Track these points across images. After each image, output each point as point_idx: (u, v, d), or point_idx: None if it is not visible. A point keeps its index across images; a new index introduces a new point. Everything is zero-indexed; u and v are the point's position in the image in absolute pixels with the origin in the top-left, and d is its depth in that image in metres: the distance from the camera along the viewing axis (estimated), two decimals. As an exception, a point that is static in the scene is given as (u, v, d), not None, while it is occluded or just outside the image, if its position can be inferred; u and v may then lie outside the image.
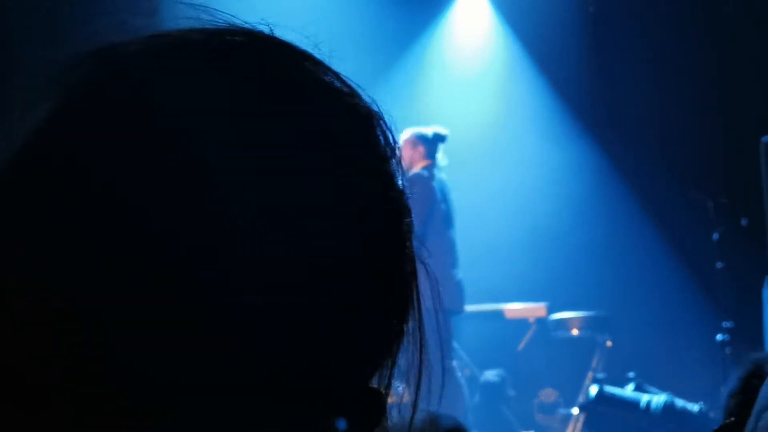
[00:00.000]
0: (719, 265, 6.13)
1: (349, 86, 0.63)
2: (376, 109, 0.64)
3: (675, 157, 8.03)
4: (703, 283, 7.37)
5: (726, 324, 6.06)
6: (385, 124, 0.64)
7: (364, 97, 0.64)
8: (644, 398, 5.81)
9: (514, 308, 7.75)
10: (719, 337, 6.00)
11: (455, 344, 7.28)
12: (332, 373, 0.57)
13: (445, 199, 6.22)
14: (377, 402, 0.60)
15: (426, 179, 6.10)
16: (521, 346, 7.71)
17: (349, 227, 0.57)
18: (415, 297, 0.63)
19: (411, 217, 0.63)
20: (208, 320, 0.53)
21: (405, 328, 0.62)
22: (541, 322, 7.67)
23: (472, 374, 7.55)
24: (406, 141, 6.30)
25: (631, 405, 5.77)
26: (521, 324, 7.76)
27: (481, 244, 7.90)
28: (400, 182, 0.62)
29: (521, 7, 8.63)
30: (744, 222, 6.11)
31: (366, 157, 0.60)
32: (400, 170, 0.63)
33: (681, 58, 8.15)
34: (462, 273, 6.42)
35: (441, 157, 6.31)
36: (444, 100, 8.66)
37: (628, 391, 5.98)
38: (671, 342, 7.63)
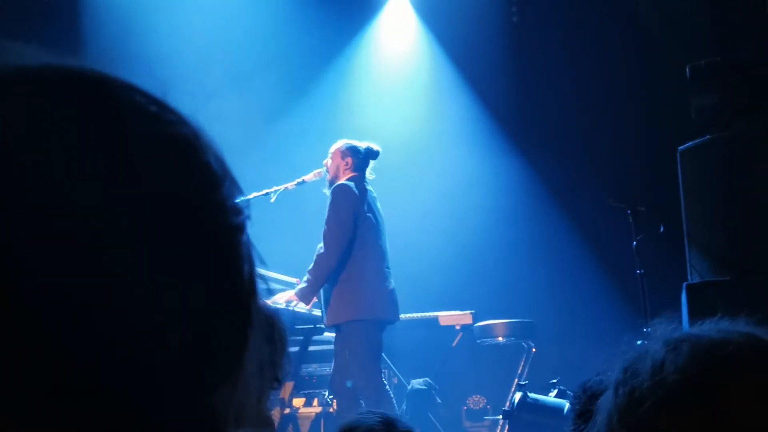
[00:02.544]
0: (639, 271, 6.24)
1: (177, 115, 0.63)
2: (204, 135, 0.64)
3: (595, 166, 8.17)
4: (624, 289, 7.50)
5: (647, 329, 6.16)
6: (215, 149, 0.64)
7: (192, 124, 0.64)
8: (567, 404, 5.88)
9: (440, 316, 7.79)
10: (640, 342, 6.09)
11: (383, 354, 7.30)
12: (168, 394, 0.58)
13: (373, 209, 6.22)
14: (211, 420, 0.60)
15: (348, 189, 6.09)
16: (449, 352, 7.75)
17: (167, 256, 0.58)
18: (255, 315, 0.63)
19: (245, 236, 0.63)
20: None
21: (243, 350, 0.62)
22: (467, 329, 7.72)
23: (399, 382, 7.57)
24: (337, 150, 6.29)
25: (554, 411, 5.84)
26: (448, 331, 7.80)
27: (406, 253, 7.92)
28: (232, 205, 0.63)
29: (446, 17, 8.70)
30: (662, 229, 6.23)
31: (187, 182, 0.61)
32: (234, 190, 0.64)
33: (602, 68, 8.29)
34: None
35: (369, 172, 6.31)
36: (370, 110, 8.68)
37: (551, 397, 6.05)
38: (594, 348, 7.72)
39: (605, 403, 1.13)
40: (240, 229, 0.63)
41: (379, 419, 2.20)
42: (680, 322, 1.19)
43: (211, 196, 0.62)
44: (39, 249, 0.55)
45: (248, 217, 0.64)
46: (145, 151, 0.60)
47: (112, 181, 0.57)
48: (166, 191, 0.59)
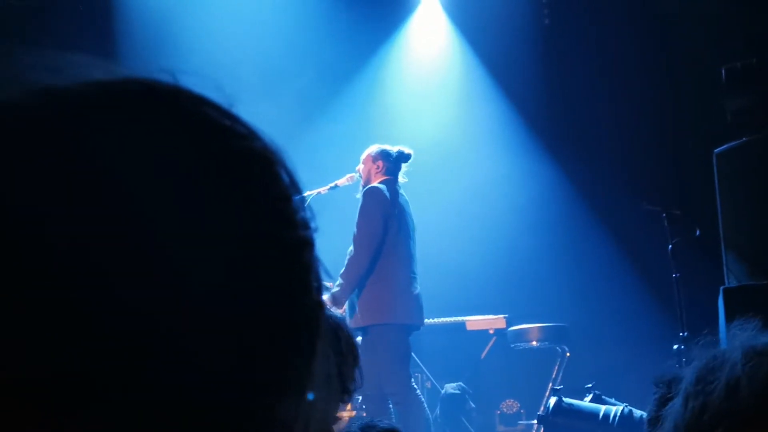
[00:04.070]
0: (675, 275, 6.18)
1: (248, 129, 0.64)
2: (275, 148, 0.64)
3: (630, 168, 8.11)
4: (659, 293, 7.44)
5: (682, 333, 6.11)
6: (285, 162, 0.65)
7: (264, 137, 0.64)
8: (602, 409, 5.84)
9: (473, 320, 7.77)
10: (676, 346, 6.05)
11: (415, 357, 7.29)
12: (234, 408, 0.58)
13: (404, 214, 6.22)
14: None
15: (379, 192, 6.09)
16: (482, 356, 7.73)
17: (241, 268, 0.59)
18: (323, 328, 0.64)
19: (313, 252, 0.64)
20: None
21: (311, 360, 0.63)
22: (501, 333, 7.70)
23: (432, 387, 7.56)
24: (368, 155, 6.31)
25: (589, 416, 5.80)
26: (481, 336, 7.78)
27: (440, 257, 7.92)
28: (302, 219, 0.64)
29: (477, 19, 8.68)
30: (698, 233, 6.18)
31: (260, 197, 0.62)
32: (303, 207, 0.65)
33: (635, 69, 8.24)
34: (420, 287, 6.43)
35: (402, 176, 6.32)
36: (401, 113, 8.69)
37: (586, 402, 6.01)
38: (629, 352, 7.69)
39: (673, 413, 1.08)
40: (309, 243, 0.64)
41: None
42: (759, 325, 1.12)
43: (284, 210, 0.63)
44: (116, 261, 0.55)
45: (316, 230, 0.65)
46: (220, 164, 0.61)
47: (189, 195, 0.58)
48: (240, 205, 0.60)
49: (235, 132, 0.63)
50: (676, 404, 1.06)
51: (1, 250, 0.55)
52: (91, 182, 0.56)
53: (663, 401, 1.27)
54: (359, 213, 6.08)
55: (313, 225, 0.65)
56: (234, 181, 0.61)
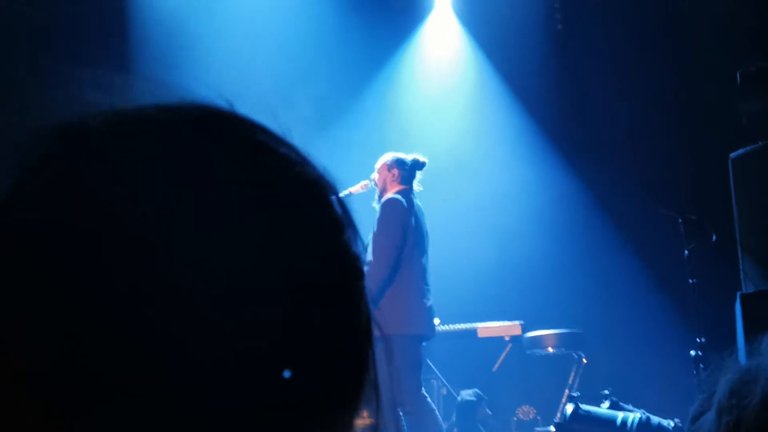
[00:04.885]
0: (691, 281, 6.15)
1: (302, 156, 0.67)
2: (328, 176, 0.67)
3: (645, 174, 8.09)
4: (675, 298, 7.41)
5: (699, 339, 6.08)
6: (337, 190, 0.67)
7: (317, 164, 0.67)
8: (620, 416, 5.82)
9: (489, 327, 7.76)
10: (693, 352, 6.02)
11: (431, 364, 7.28)
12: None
13: (419, 225, 6.21)
14: None
15: (398, 204, 6.09)
16: (497, 364, 7.71)
17: (294, 293, 0.59)
18: (370, 355, 0.65)
19: (362, 280, 0.65)
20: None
21: (362, 386, 0.64)
22: (517, 340, 7.68)
23: (448, 393, 7.55)
24: (383, 164, 6.31)
25: (607, 423, 5.78)
26: (497, 342, 7.76)
27: (457, 263, 7.91)
28: (354, 250, 0.65)
29: (490, 25, 8.68)
30: (714, 238, 6.15)
31: (312, 224, 0.63)
32: (353, 233, 0.65)
33: (649, 74, 8.22)
34: (437, 294, 6.43)
35: (417, 184, 6.32)
36: (415, 120, 8.69)
37: (604, 408, 5.99)
38: (646, 358, 7.66)
39: (707, 427, 1.06)
40: (361, 273, 0.65)
41: None
42: None
43: (338, 240, 0.64)
44: (170, 289, 0.57)
45: (365, 262, 0.67)
46: (278, 192, 0.62)
47: (246, 221, 0.60)
48: (297, 233, 0.61)
49: (290, 159, 0.65)
50: (709, 418, 1.04)
51: (50, 258, 0.56)
52: (156, 206, 0.58)
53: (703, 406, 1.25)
54: (378, 224, 6.07)
55: (363, 257, 0.66)
56: (290, 206, 0.62)
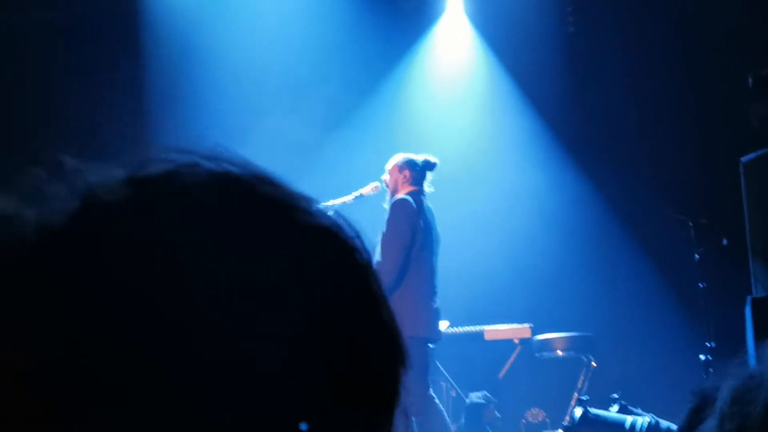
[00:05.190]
0: (701, 285, 6.14)
1: (315, 206, 0.67)
2: (347, 226, 0.67)
3: (656, 177, 8.07)
4: (685, 302, 7.40)
5: (709, 344, 6.07)
6: (359, 234, 0.67)
7: (333, 216, 0.67)
8: (628, 420, 5.81)
9: (498, 329, 7.75)
10: (703, 357, 6.01)
11: (440, 367, 7.28)
12: None
13: (429, 227, 6.21)
14: None
15: (407, 204, 6.09)
16: (506, 367, 7.71)
17: (321, 338, 0.61)
18: (398, 386, 0.68)
19: (391, 323, 0.67)
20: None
21: (394, 411, 0.67)
22: (526, 343, 7.68)
23: (457, 396, 7.55)
24: (394, 165, 6.31)
25: (616, 426, 5.77)
26: (506, 345, 7.76)
27: (467, 266, 7.91)
28: (379, 288, 0.66)
29: (502, 28, 8.67)
30: (725, 242, 6.14)
31: (342, 281, 0.64)
32: (373, 277, 0.66)
33: (660, 77, 8.20)
34: (448, 296, 6.43)
35: (428, 185, 6.32)
36: (426, 122, 8.69)
37: (613, 412, 5.98)
38: (655, 362, 7.65)
39: None
40: (390, 321, 0.67)
41: None
42: None
43: (365, 280, 0.65)
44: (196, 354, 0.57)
45: (392, 311, 0.67)
46: (299, 245, 0.63)
47: (272, 276, 0.61)
48: (321, 281, 0.63)
49: (306, 210, 0.65)
50: (710, 425, 1.03)
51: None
52: (185, 270, 0.59)
53: (695, 413, 1.24)
54: (387, 225, 6.07)
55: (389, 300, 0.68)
56: (311, 262, 0.63)
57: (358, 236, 0.67)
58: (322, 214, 0.66)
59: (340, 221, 0.67)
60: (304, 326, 0.60)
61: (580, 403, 6.13)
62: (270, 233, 0.62)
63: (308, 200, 0.66)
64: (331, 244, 0.65)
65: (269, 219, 0.63)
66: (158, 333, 0.57)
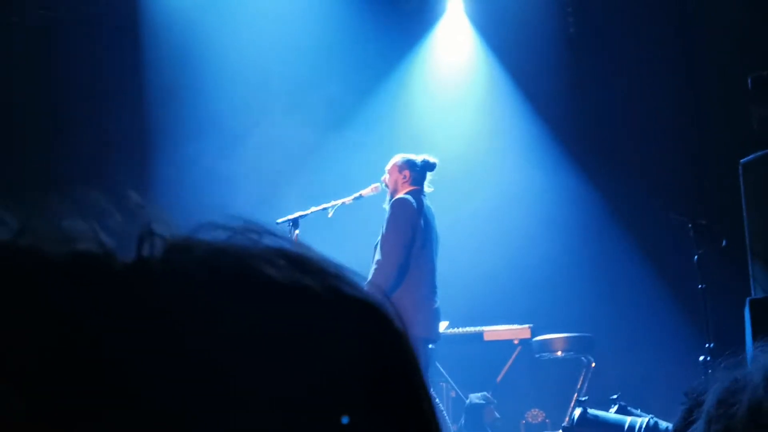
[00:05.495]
0: (701, 286, 6.15)
1: (341, 271, 0.67)
2: (383, 303, 0.69)
3: (656, 178, 8.08)
4: (685, 303, 7.40)
5: (708, 345, 6.08)
6: (397, 312, 0.69)
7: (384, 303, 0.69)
8: (628, 420, 5.81)
9: (498, 330, 7.76)
10: (702, 358, 6.01)
11: (440, 367, 7.28)
12: None
13: (429, 227, 6.21)
14: None
15: (407, 203, 6.09)
16: (506, 368, 7.72)
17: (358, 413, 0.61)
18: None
19: (425, 386, 0.66)
20: None
21: None
22: (526, 343, 7.68)
23: (457, 396, 7.55)
24: (394, 165, 6.32)
25: (615, 427, 5.78)
26: (506, 346, 7.76)
27: (467, 266, 7.91)
28: (409, 354, 0.68)
29: (502, 29, 8.68)
30: (724, 243, 6.14)
31: (388, 360, 0.66)
32: (410, 344, 0.68)
33: (660, 79, 8.21)
34: (448, 297, 6.43)
35: (428, 185, 6.32)
36: (426, 123, 8.69)
37: (612, 413, 5.99)
38: (655, 363, 7.65)
39: None
40: (424, 392, 0.66)
41: None
42: None
43: (403, 348, 0.67)
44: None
45: (427, 381, 0.68)
46: (326, 319, 0.63)
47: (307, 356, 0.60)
48: (372, 364, 0.64)
49: (328, 282, 0.65)
50: (698, 428, 1.05)
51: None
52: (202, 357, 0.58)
53: (688, 414, 1.26)
54: (387, 224, 6.07)
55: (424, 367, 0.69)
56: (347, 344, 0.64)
57: (394, 307, 0.68)
58: (362, 284, 0.67)
59: (378, 293, 0.68)
60: (351, 398, 0.61)
61: (579, 403, 6.14)
62: (322, 309, 0.63)
63: (350, 272, 0.66)
64: (375, 317, 0.66)
65: (321, 298, 0.63)
66: (220, 407, 0.56)
